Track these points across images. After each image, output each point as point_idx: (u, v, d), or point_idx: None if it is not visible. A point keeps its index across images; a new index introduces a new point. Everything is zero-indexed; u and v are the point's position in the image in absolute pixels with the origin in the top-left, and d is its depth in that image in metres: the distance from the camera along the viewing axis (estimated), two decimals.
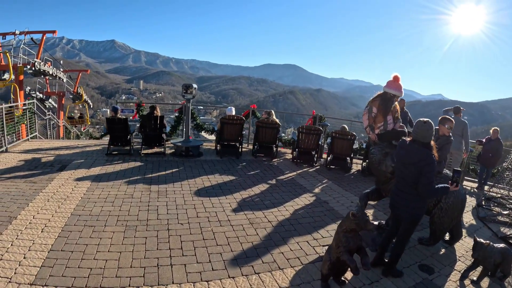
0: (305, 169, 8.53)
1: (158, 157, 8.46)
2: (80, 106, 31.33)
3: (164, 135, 8.84)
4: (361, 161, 9.25)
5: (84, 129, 25.44)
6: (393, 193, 3.95)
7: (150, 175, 6.94)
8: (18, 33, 17.82)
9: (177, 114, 10.80)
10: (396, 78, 5.35)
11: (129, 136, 8.57)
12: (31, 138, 9.92)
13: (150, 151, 9.02)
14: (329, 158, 9.02)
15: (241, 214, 5.35)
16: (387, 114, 5.41)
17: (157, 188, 6.17)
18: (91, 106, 31.09)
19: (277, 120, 9.23)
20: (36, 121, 10.42)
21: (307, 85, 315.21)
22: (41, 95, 23.60)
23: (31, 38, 18.52)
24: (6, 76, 16.91)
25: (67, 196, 5.48)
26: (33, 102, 10.31)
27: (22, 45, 17.37)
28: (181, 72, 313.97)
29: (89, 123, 28.23)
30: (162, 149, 8.85)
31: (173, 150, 9.06)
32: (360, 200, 5.22)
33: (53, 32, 19.91)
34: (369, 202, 5.55)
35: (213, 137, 11.02)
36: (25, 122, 9.62)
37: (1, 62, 17.34)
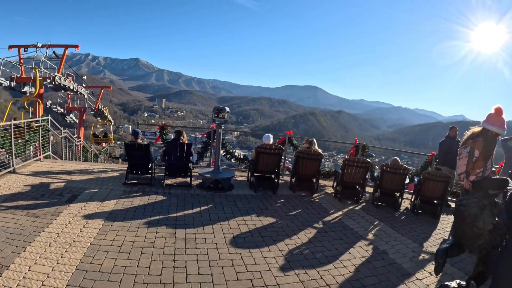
0: (350, 207, 7.39)
1: (183, 190, 7.33)
2: (102, 125, 31.18)
3: (190, 165, 7.77)
4: (411, 197, 8.09)
5: (103, 148, 24.76)
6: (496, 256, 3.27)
7: (175, 214, 5.79)
8: (40, 46, 17.28)
9: (204, 139, 9.80)
10: (498, 111, 4.08)
11: (150, 164, 7.54)
12: (44, 157, 9.07)
13: (174, 181, 7.93)
14: (376, 194, 7.85)
15: (291, 274, 4.14)
16: (489, 157, 4.18)
17: (183, 233, 5.01)
18: (112, 123, 30.78)
19: (320, 151, 8.09)
20: (50, 139, 9.58)
21: (328, 107, 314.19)
22: (62, 110, 23.26)
23: (53, 52, 18.03)
24: (26, 89, 16.56)
25: (74, 240, 4.41)
26: (48, 119, 9.49)
27: (43, 59, 16.85)
28: (203, 91, 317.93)
29: (113, 141, 27.80)
30: (188, 180, 7.76)
31: (200, 181, 7.96)
32: (437, 257, 4.12)
33: (76, 46, 19.28)
34: None
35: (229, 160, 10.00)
36: (38, 140, 8.77)
37: (21, 74, 16.92)
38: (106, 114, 28.50)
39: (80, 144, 14.27)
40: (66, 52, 18.53)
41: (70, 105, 25.13)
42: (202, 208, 6.28)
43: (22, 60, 17.32)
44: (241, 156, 9.92)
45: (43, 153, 9.03)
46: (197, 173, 8.20)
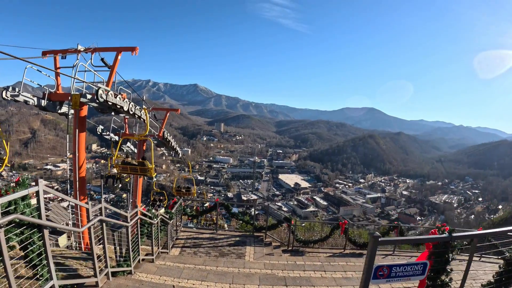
0: None
1: None
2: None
3: None
4: None
5: (173, 203, 14.41)
6: None
7: None
8: (82, 50, 12.07)
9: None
10: None
11: None
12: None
13: None
14: None
15: None
16: None
17: None
18: (180, 155, 27.13)
19: None
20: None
21: (386, 129, 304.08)
22: (116, 138, 17.98)
23: (102, 59, 12.61)
24: (64, 109, 12.15)
25: None
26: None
27: (87, 67, 11.68)
28: (260, 116, 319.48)
29: (195, 195, 23.74)
30: None
31: None
32: None
33: (133, 49, 13.22)
34: None
35: None
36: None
37: (57, 89, 11.91)
38: (188, 164, 28.36)
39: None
40: (119, 57, 13.00)
41: (127, 132, 19.81)
42: None
43: (59, 70, 12.32)
44: None
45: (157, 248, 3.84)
46: None
